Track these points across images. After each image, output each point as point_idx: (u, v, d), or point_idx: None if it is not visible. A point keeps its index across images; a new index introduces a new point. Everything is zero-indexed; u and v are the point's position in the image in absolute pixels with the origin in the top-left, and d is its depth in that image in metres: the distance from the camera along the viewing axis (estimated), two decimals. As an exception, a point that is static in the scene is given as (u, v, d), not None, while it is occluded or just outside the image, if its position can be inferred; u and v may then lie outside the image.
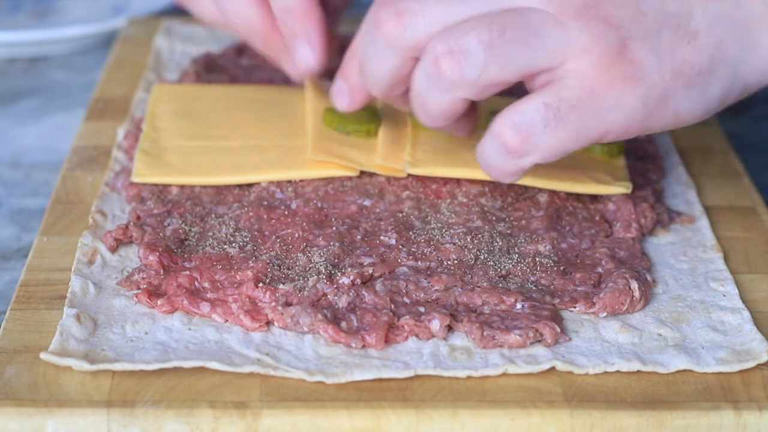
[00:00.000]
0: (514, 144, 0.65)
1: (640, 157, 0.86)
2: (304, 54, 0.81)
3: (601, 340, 0.67)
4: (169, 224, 0.75)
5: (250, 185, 0.80)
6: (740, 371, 0.65)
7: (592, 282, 0.71)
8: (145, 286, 0.70)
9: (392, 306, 0.68)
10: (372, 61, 0.69)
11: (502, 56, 0.64)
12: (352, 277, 0.69)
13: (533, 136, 0.65)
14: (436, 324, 0.66)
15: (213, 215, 0.76)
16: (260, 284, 0.69)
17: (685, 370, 0.65)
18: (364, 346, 0.66)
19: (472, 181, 0.80)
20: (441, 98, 0.66)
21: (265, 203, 0.77)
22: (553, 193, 0.79)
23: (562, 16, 0.64)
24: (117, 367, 0.63)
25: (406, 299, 0.69)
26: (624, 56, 0.64)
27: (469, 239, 0.73)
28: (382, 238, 0.74)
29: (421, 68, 0.66)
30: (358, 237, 0.74)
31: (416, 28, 0.66)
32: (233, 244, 0.73)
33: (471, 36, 0.64)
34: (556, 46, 0.64)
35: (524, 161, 0.66)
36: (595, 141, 0.66)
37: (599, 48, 0.64)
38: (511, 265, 0.72)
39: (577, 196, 0.79)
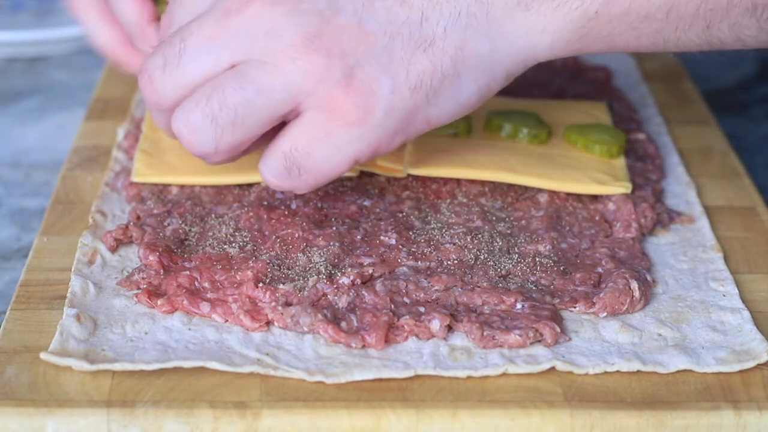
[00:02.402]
0: (278, 186, 0.68)
1: (640, 157, 0.86)
2: None
3: (601, 340, 0.67)
4: (169, 224, 0.75)
5: (250, 185, 0.80)
6: (740, 371, 0.65)
7: (592, 282, 0.71)
8: (145, 286, 0.70)
9: (392, 306, 0.68)
10: (153, 115, 0.71)
11: (230, 124, 0.65)
12: (352, 277, 0.69)
13: (286, 181, 0.67)
14: (436, 324, 0.66)
15: (213, 215, 0.76)
16: (260, 284, 0.69)
17: (685, 370, 0.65)
18: (364, 346, 0.66)
19: (472, 181, 0.80)
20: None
21: (265, 203, 0.77)
22: (553, 193, 0.79)
23: (281, 61, 0.63)
24: (117, 367, 0.63)
25: (406, 299, 0.69)
26: (352, 87, 0.63)
27: (469, 239, 0.73)
28: (382, 238, 0.74)
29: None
30: (358, 237, 0.74)
31: (163, 93, 0.67)
32: (233, 244, 0.73)
33: (196, 113, 0.65)
34: (282, 95, 0.64)
35: (298, 190, 0.69)
36: (348, 167, 0.67)
37: (324, 85, 0.63)
38: (511, 265, 0.72)
39: (577, 196, 0.79)
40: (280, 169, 0.67)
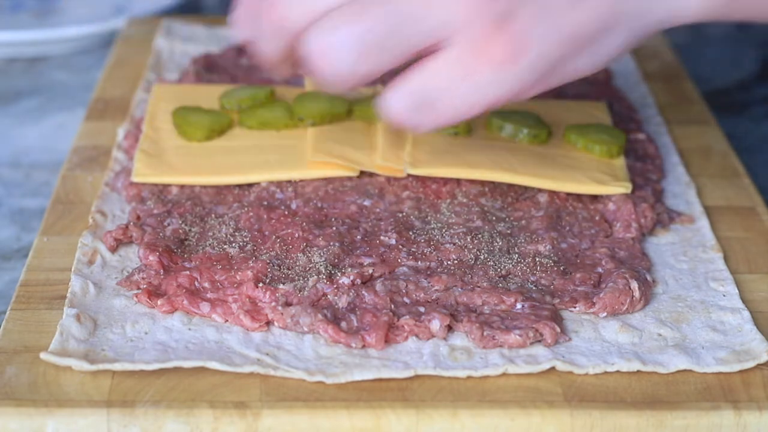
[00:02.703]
0: (402, 120, 0.65)
1: (640, 157, 0.86)
2: None
3: (601, 340, 0.67)
4: (169, 224, 0.75)
5: (250, 185, 0.80)
6: (740, 371, 0.65)
7: (592, 282, 0.71)
8: (145, 286, 0.70)
9: (392, 306, 0.68)
10: (264, 45, 0.67)
11: (375, 48, 0.62)
12: (352, 277, 0.69)
13: (414, 116, 0.64)
14: (436, 324, 0.66)
15: (213, 215, 0.76)
16: (260, 284, 0.69)
17: (685, 370, 0.65)
18: (364, 346, 0.66)
19: (472, 181, 0.80)
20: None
21: (265, 203, 0.77)
22: (553, 193, 0.79)
23: None
24: (117, 367, 0.63)
25: (406, 299, 0.69)
26: (507, 27, 0.61)
27: (469, 239, 0.73)
28: (382, 238, 0.74)
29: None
30: (358, 237, 0.74)
31: (292, 17, 0.64)
32: (233, 244, 0.73)
33: (342, 31, 0.62)
34: (434, 26, 0.61)
35: (422, 127, 0.66)
36: (482, 110, 0.64)
37: (480, 22, 0.61)
38: (511, 265, 0.72)
39: (577, 196, 0.79)
40: (411, 103, 0.63)
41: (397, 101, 0.64)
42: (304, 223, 0.75)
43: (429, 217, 0.77)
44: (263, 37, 0.66)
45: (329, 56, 0.62)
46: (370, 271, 0.70)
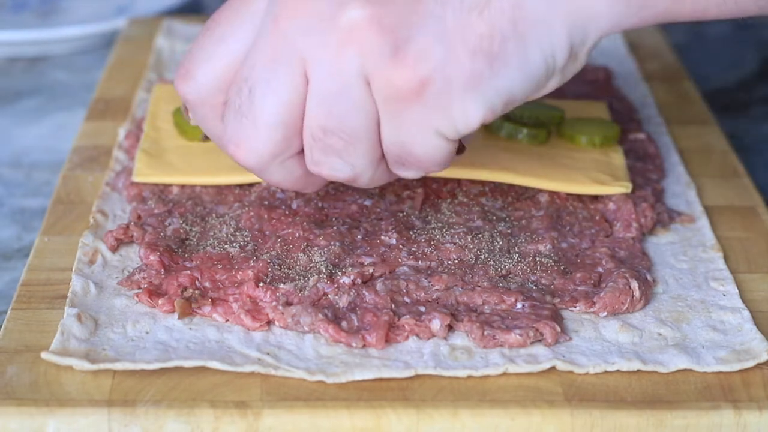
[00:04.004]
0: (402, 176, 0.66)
1: (640, 157, 0.86)
2: None
3: (602, 339, 0.67)
4: (169, 224, 0.75)
5: (250, 185, 0.80)
6: (740, 371, 0.65)
7: (592, 281, 0.71)
8: (145, 285, 0.70)
9: (393, 305, 0.68)
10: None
11: (348, 146, 0.62)
12: (352, 277, 0.69)
13: (403, 173, 0.66)
14: (436, 323, 0.66)
15: (214, 215, 0.77)
16: (261, 284, 0.69)
17: (685, 370, 0.65)
18: (364, 346, 0.66)
19: (472, 181, 0.80)
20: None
21: (266, 203, 0.77)
22: (553, 192, 0.79)
23: (340, 51, 0.60)
24: (118, 366, 0.63)
25: (406, 299, 0.69)
26: (404, 60, 0.59)
27: (469, 239, 0.73)
28: (382, 237, 0.74)
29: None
30: (359, 237, 0.74)
31: (258, 151, 0.64)
32: (234, 244, 0.73)
33: (317, 154, 0.63)
34: (358, 90, 0.60)
35: (414, 176, 0.67)
36: (444, 147, 0.63)
37: (379, 64, 0.59)
38: (511, 265, 0.72)
39: (578, 196, 0.79)
40: (392, 163, 0.64)
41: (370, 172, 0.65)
42: (305, 223, 0.75)
43: (429, 217, 0.77)
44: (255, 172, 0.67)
45: (333, 174, 0.64)
46: (371, 271, 0.70)
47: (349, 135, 0.62)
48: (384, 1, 0.59)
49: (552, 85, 0.63)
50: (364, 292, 0.68)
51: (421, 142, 0.62)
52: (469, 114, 0.61)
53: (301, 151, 0.64)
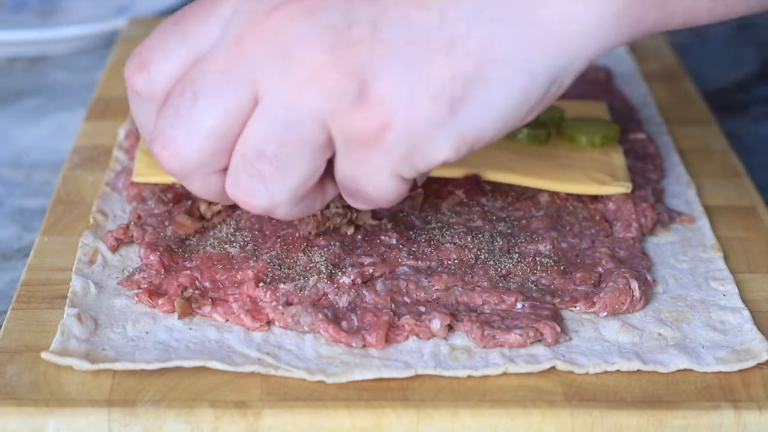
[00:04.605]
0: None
1: (640, 157, 0.86)
2: None
3: (602, 339, 0.67)
4: (169, 224, 0.75)
5: (250, 185, 0.80)
6: (740, 371, 0.65)
7: (592, 281, 0.71)
8: (145, 285, 0.70)
9: (393, 305, 0.68)
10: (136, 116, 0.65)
11: (277, 174, 0.60)
12: (352, 277, 0.69)
13: (359, 205, 0.64)
14: (436, 323, 0.66)
15: (214, 215, 0.77)
16: (261, 284, 0.69)
17: (685, 370, 0.65)
18: (364, 346, 0.66)
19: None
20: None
21: (266, 203, 0.77)
22: (553, 193, 0.79)
23: (300, 86, 0.58)
24: (118, 366, 0.63)
25: (406, 299, 0.69)
26: (366, 104, 0.58)
27: (469, 239, 0.73)
28: (382, 237, 0.74)
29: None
30: (359, 236, 0.74)
31: (184, 157, 0.61)
32: (234, 244, 0.73)
33: (240, 175, 0.61)
34: (311, 126, 0.59)
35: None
36: (400, 189, 0.62)
37: (341, 106, 0.58)
38: (511, 265, 0.72)
39: (578, 196, 0.79)
40: (343, 192, 0.63)
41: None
42: (305, 223, 0.75)
43: (429, 217, 0.77)
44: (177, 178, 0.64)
45: (246, 198, 0.62)
46: (371, 271, 0.70)
47: (282, 165, 0.60)
48: (350, 43, 0.58)
49: (531, 116, 0.61)
50: (364, 292, 0.68)
51: (376, 182, 0.61)
52: (432, 156, 0.60)
53: (225, 170, 0.62)
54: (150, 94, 0.62)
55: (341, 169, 0.61)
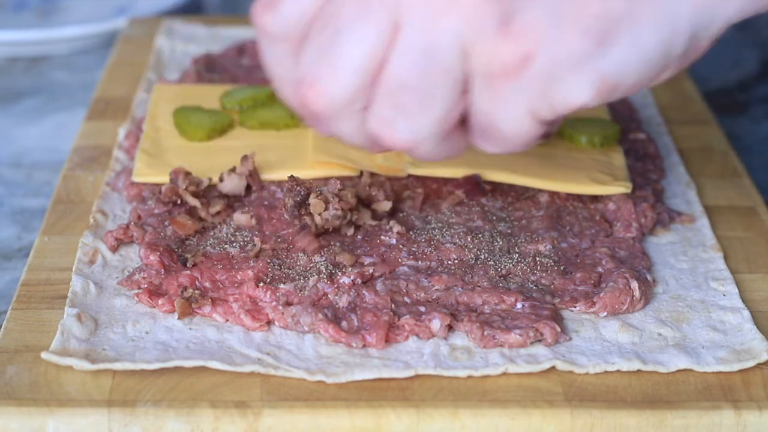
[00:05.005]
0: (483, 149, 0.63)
1: (640, 157, 0.86)
2: None
3: (602, 339, 0.67)
4: (169, 224, 0.75)
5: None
6: (740, 371, 0.65)
7: (592, 281, 0.71)
8: (145, 285, 0.70)
9: (393, 305, 0.68)
10: (267, 58, 0.63)
11: (418, 107, 0.59)
12: (352, 277, 0.69)
13: (487, 146, 0.62)
14: (436, 323, 0.66)
15: (214, 215, 0.77)
16: (261, 284, 0.69)
17: (685, 370, 0.65)
18: (364, 346, 0.66)
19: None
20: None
21: (266, 203, 0.77)
22: (553, 192, 0.79)
23: (438, 12, 0.56)
24: (118, 366, 0.63)
25: (406, 299, 0.69)
26: (509, 33, 0.56)
27: (469, 239, 0.73)
28: (382, 237, 0.74)
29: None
30: (359, 237, 0.74)
31: (333, 96, 0.59)
32: (234, 244, 0.73)
33: (386, 109, 0.59)
34: (451, 54, 0.57)
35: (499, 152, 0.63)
36: (531, 128, 0.60)
37: (482, 33, 0.56)
38: (511, 265, 0.72)
39: (578, 196, 0.79)
40: (475, 132, 0.61)
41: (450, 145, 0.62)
42: (305, 223, 0.75)
43: (429, 217, 0.77)
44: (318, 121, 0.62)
45: (391, 135, 0.60)
46: (371, 271, 0.70)
47: (425, 96, 0.59)
48: None
49: (668, 74, 0.60)
50: (364, 292, 0.68)
51: (512, 119, 0.59)
52: (571, 96, 0.58)
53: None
54: (283, 34, 0.60)
55: (477, 103, 0.59)
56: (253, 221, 0.75)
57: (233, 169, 0.78)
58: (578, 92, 0.58)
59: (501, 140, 0.61)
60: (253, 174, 0.78)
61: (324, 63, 0.58)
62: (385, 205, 0.75)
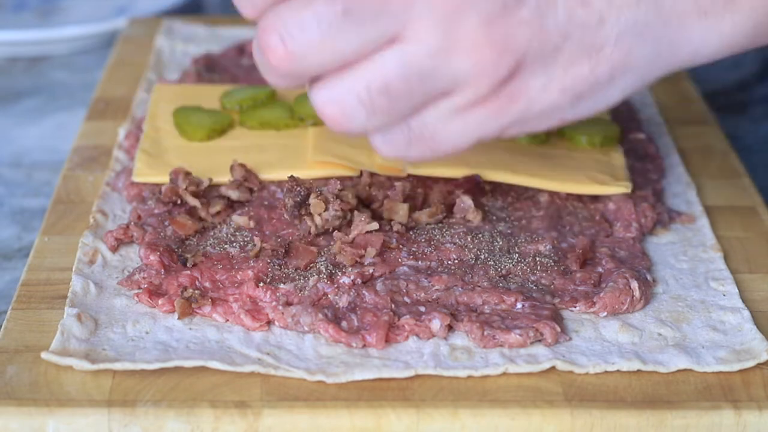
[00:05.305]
0: (390, 155, 0.63)
1: (640, 157, 0.86)
2: None
3: (602, 339, 0.67)
4: (169, 224, 0.75)
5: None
6: (740, 371, 0.65)
7: (592, 281, 0.71)
8: (145, 285, 0.70)
9: (393, 305, 0.68)
10: (264, 72, 0.62)
11: (384, 107, 0.59)
12: (352, 277, 0.69)
13: (401, 152, 0.62)
14: (436, 323, 0.66)
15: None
16: (261, 284, 0.69)
17: (685, 370, 0.65)
18: (364, 346, 0.66)
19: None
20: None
21: (266, 203, 0.77)
22: (553, 193, 0.79)
23: (455, 47, 0.58)
24: (118, 366, 0.63)
25: (406, 299, 0.69)
26: (511, 83, 0.59)
27: (469, 239, 0.73)
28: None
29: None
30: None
31: (305, 61, 0.58)
32: (234, 244, 0.73)
33: (349, 95, 0.59)
34: (445, 83, 0.59)
35: (408, 159, 0.64)
36: (468, 146, 0.62)
37: (489, 79, 0.59)
38: (511, 265, 0.72)
39: (578, 196, 0.79)
40: (401, 141, 0.61)
41: (389, 139, 0.62)
42: (305, 223, 0.75)
43: (429, 217, 0.77)
44: (269, 73, 0.62)
45: (338, 116, 0.60)
46: (371, 271, 0.70)
47: (397, 104, 0.59)
48: (516, 23, 0.58)
49: None
50: (364, 292, 0.68)
51: (458, 135, 0.61)
52: (524, 130, 0.62)
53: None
54: None
55: (430, 117, 0.60)
56: (252, 223, 0.75)
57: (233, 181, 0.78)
58: (533, 129, 0.62)
59: (429, 150, 0.62)
60: (249, 178, 0.78)
61: (312, 31, 0.58)
62: (402, 217, 0.75)
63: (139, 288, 0.70)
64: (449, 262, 0.72)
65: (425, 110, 0.60)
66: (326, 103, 0.60)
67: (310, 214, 0.73)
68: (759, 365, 0.65)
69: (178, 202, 0.76)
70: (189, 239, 0.74)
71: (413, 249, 0.73)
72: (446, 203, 0.77)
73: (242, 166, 0.79)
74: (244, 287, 0.69)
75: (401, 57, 0.58)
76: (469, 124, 0.61)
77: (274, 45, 0.58)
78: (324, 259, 0.71)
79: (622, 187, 0.78)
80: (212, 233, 0.74)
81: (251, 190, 0.78)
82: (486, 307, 0.68)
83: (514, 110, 0.60)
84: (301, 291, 0.68)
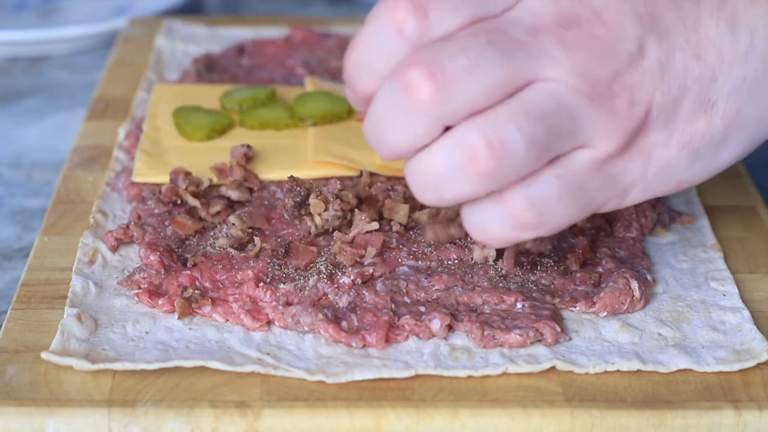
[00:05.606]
0: (529, 219, 0.60)
1: (640, 156, 0.86)
2: None
3: (602, 339, 0.67)
4: (169, 224, 0.75)
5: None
6: (740, 371, 0.65)
7: (592, 281, 0.71)
8: (145, 285, 0.70)
9: (393, 305, 0.68)
10: (393, 124, 0.59)
11: (541, 148, 0.58)
12: (352, 277, 0.69)
13: (546, 208, 0.60)
14: (436, 323, 0.66)
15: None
16: (261, 284, 0.69)
17: (685, 370, 0.65)
18: (364, 346, 0.66)
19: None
20: (464, 187, 0.59)
21: (266, 203, 0.77)
22: (553, 192, 0.79)
23: (590, 96, 0.58)
24: (118, 366, 0.63)
25: (406, 299, 0.69)
26: (640, 134, 0.60)
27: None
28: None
29: (445, 149, 0.58)
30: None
31: (457, 98, 0.57)
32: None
33: (511, 127, 0.57)
34: (584, 131, 0.59)
35: (528, 234, 0.61)
36: (596, 211, 0.62)
37: (619, 132, 0.59)
38: (511, 265, 0.72)
39: (578, 196, 0.79)
40: (549, 193, 0.60)
41: (491, 223, 0.60)
42: (305, 223, 0.75)
43: (429, 217, 0.77)
44: (395, 115, 0.59)
45: (499, 152, 0.57)
46: (371, 271, 0.70)
47: (533, 153, 0.58)
48: (640, 74, 0.59)
49: None
50: (364, 292, 0.68)
51: (574, 210, 0.61)
52: (642, 198, 0.63)
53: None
54: (416, 39, 0.58)
55: (574, 168, 0.60)
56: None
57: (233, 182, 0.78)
58: (654, 193, 0.63)
59: (578, 207, 0.61)
60: (249, 178, 0.78)
61: (461, 60, 0.57)
62: (402, 217, 0.75)
63: (139, 288, 0.70)
64: (449, 262, 0.72)
65: (566, 160, 0.60)
66: (483, 142, 0.57)
67: (310, 214, 0.73)
68: (759, 365, 0.65)
69: (178, 202, 0.76)
70: (189, 239, 0.74)
71: (413, 249, 0.73)
72: None
73: (242, 166, 0.79)
74: (244, 287, 0.69)
75: (549, 90, 0.58)
76: (612, 174, 0.61)
77: (421, 79, 0.56)
78: (324, 259, 0.71)
79: (622, 187, 0.78)
80: (212, 233, 0.74)
81: (251, 190, 0.78)
82: (486, 307, 0.68)
83: (635, 166, 0.61)
84: (301, 291, 0.68)
